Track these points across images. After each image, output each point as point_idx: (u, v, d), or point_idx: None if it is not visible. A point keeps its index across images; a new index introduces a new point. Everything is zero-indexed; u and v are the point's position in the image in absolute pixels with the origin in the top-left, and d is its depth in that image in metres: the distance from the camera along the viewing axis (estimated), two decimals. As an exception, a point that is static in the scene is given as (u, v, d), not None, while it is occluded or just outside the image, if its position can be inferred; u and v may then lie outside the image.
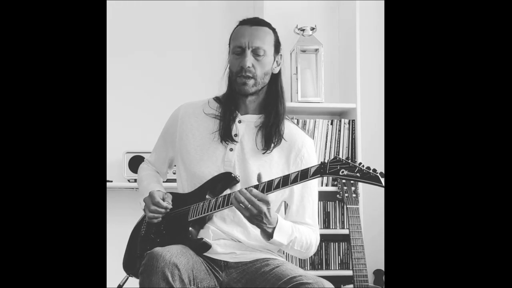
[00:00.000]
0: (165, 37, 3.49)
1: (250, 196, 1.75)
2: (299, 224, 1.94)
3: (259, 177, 1.79)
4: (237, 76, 1.94)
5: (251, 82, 1.93)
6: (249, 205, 1.75)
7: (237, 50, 1.94)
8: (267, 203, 1.76)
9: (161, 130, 2.15)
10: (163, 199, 1.98)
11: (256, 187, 1.80)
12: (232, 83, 1.97)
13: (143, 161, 2.26)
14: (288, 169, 1.94)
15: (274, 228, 1.82)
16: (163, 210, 1.95)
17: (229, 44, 2.01)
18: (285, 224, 1.86)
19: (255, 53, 1.93)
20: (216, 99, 2.06)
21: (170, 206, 1.96)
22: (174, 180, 2.99)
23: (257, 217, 1.77)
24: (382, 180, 1.64)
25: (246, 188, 1.78)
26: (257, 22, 1.98)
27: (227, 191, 1.93)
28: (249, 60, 1.92)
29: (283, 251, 2.05)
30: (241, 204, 1.76)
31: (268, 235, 1.83)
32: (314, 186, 2.01)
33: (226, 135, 1.95)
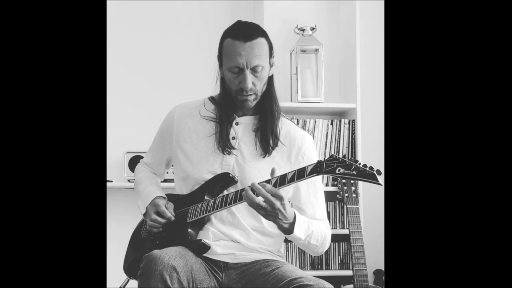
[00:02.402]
0: (165, 37, 3.49)
1: (264, 191, 1.73)
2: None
3: (272, 172, 1.78)
4: (237, 94, 1.90)
5: (252, 98, 1.91)
6: (263, 203, 1.73)
7: (235, 70, 1.87)
8: (280, 198, 1.73)
9: (156, 131, 2.13)
10: (167, 208, 1.96)
11: None
12: (231, 97, 1.93)
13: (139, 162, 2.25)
14: (290, 168, 1.93)
15: (291, 224, 1.80)
16: (164, 221, 1.95)
17: (220, 55, 1.94)
18: (302, 218, 1.85)
19: (254, 70, 1.87)
20: (212, 99, 2.03)
21: (173, 218, 1.95)
22: (171, 180, 3.00)
23: (272, 214, 1.75)
24: (379, 177, 1.64)
25: (259, 183, 1.75)
26: (250, 35, 1.87)
27: (225, 192, 1.92)
28: (249, 80, 1.87)
29: (283, 252, 2.05)
30: (254, 202, 1.73)
31: (286, 230, 1.81)
32: (319, 182, 2.00)
33: (224, 143, 1.93)
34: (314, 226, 1.90)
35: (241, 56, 1.86)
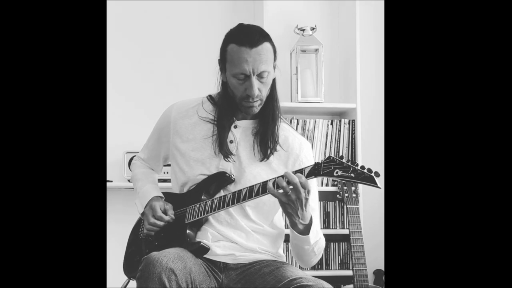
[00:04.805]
0: (165, 37, 3.49)
1: (296, 179, 1.69)
2: None
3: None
4: (242, 101, 1.87)
5: (257, 103, 1.88)
6: (289, 190, 1.70)
7: (240, 76, 1.84)
8: (307, 190, 1.71)
9: (153, 127, 2.11)
10: (165, 211, 1.96)
11: (251, 188, 1.79)
12: (235, 102, 1.90)
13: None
14: None
15: (307, 226, 1.79)
16: (162, 224, 1.94)
17: (223, 60, 1.90)
18: (314, 223, 1.83)
19: (260, 76, 1.84)
20: (211, 99, 2.00)
21: (171, 220, 1.94)
22: (168, 180, 3.00)
23: (294, 204, 1.72)
24: (377, 180, 1.62)
25: (292, 172, 1.73)
26: (255, 41, 1.82)
27: (222, 193, 1.91)
28: (256, 87, 1.84)
29: (283, 252, 2.04)
30: (279, 190, 1.71)
31: (301, 232, 1.79)
32: (316, 191, 1.98)
33: (222, 147, 1.90)
34: (320, 233, 1.89)
35: (247, 63, 1.82)
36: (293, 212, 1.75)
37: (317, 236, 1.86)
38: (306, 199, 1.73)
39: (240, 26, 1.91)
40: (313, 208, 1.92)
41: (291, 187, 1.71)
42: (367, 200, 3.27)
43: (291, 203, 1.73)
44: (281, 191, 1.73)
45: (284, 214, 1.85)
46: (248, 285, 1.84)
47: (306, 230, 1.80)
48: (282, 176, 1.73)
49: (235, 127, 1.95)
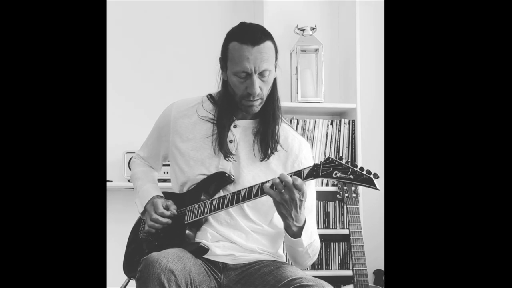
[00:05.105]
0: (166, 37, 3.49)
1: (289, 178, 1.69)
2: None
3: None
4: (243, 99, 1.87)
5: (258, 102, 1.88)
6: (283, 189, 1.70)
7: (242, 75, 1.83)
8: (302, 191, 1.70)
9: (152, 126, 2.11)
10: (167, 207, 1.95)
11: (250, 189, 1.79)
12: (235, 101, 1.89)
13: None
14: None
15: (300, 228, 1.78)
16: (165, 221, 1.93)
17: (224, 58, 1.89)
18: (308, 225, 1.83)
19: (262, 75, 1.84)
20: (211, 98, 2.00)
21: (172, 216, 1.93)
22: (167, 180, 3.00)
23: (287, 205, 1.72)
24: (376, 182, 1.62)
25: (291, 173, 1.73)
26: (257, 39, 1.82)
27: (221, 193, 1.91)
28: (257, 85, 1.84)
29: (283, 252, 2.04)
30: (274, 189, 1.71)
31: (294, 234, 1.79)
32: (314, 192, 1.98)
33: (222, 147, 1.90)
34: (315, 235, 1.89)
35: (248, 61, 1.82)
36: (287, 213, 1.75)
37: (311, 238, 1.86)
38: (301, 200, 1.73)
39: (242, 25, 1.91)
40: (310, 209, 1.92)
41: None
42: (367, 200, 3.27)
43: (285, 202, 1.72)
44: (276, 190, 1.72)
45: None
46: (247, 285, 1.84)
47: (299, 232, 1.80)
48: (279, 178, 1.73)
49: (235, 126, 1.95)
